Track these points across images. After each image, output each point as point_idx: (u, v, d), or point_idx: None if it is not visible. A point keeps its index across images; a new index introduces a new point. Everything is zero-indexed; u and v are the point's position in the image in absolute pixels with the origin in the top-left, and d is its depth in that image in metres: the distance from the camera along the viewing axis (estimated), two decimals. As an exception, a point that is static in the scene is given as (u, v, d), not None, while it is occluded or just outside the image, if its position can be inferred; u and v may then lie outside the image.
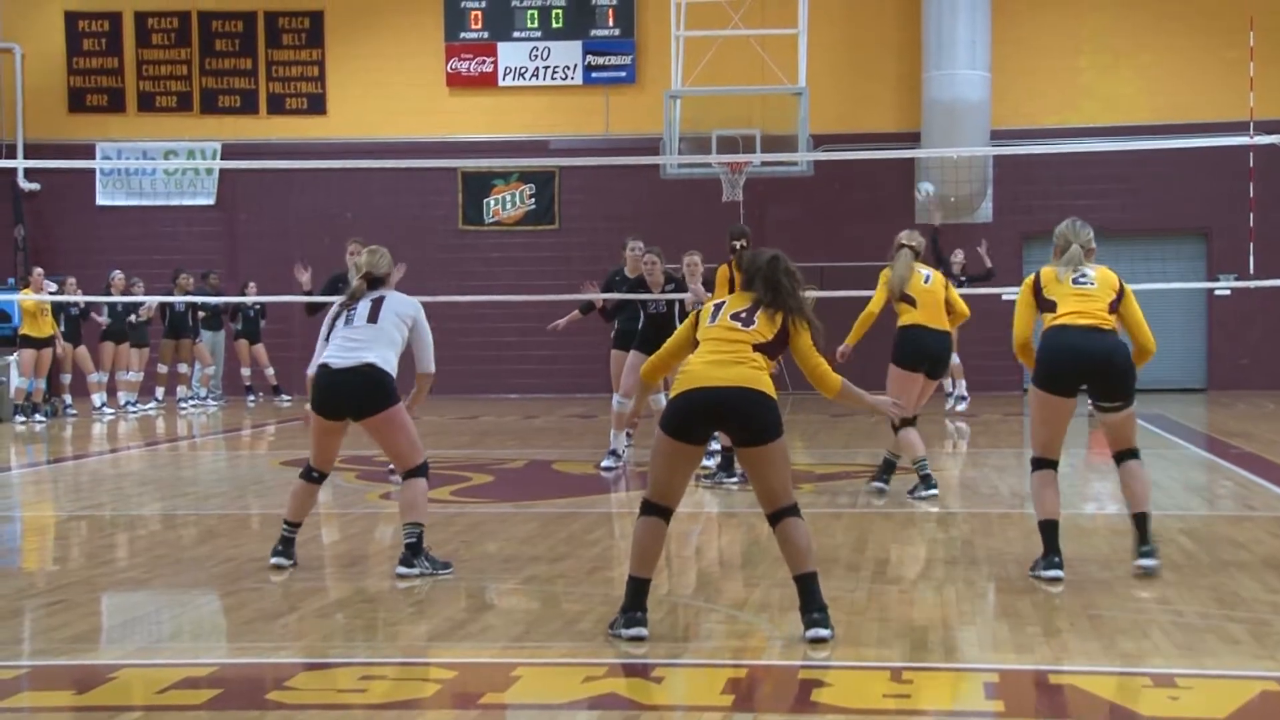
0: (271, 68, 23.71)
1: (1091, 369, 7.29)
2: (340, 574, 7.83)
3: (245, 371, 21.61)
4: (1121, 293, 7.44)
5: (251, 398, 21.49)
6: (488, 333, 22.55)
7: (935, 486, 10.16)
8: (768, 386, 6.09)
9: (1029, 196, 21.89)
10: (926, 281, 10.33)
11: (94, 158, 22.85)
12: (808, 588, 6.09)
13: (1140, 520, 7.39)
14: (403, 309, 7.72)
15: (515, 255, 22.94)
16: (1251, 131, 16.58)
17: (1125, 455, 7.53)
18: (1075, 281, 7.50)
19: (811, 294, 11.86)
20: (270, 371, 21.59)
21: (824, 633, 6.00)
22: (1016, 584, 7.23)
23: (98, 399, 19.36)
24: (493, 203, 23.44)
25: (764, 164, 19.27)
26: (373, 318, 7.57)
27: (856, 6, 22.80)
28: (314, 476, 7.78)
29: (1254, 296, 20.41)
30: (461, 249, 22.89)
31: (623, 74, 23.19)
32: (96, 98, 23.87)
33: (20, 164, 22.23)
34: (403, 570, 7.44)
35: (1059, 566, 7.23)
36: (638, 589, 6.16)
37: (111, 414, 19.19)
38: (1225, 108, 21.00)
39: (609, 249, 22.63)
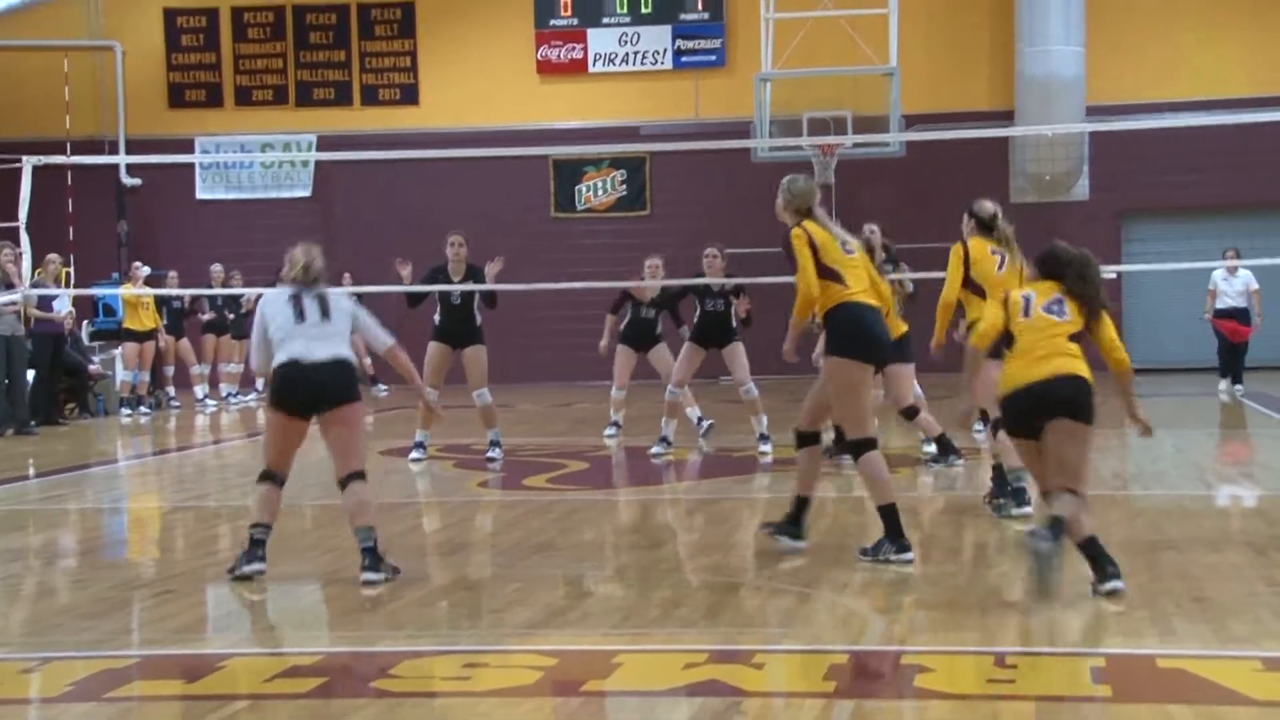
0: (364, 59, 23.91)
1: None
2: (441, 562, 7.89)
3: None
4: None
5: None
6: (581, 319, 22.52)
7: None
8: (1087, 372, 6.55)
9: (1127, 173, 21.48)
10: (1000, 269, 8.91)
11: (193, 152, 23.21)
12: (1095, 552, 6.39)
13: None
14: (343, 303, 7.69)
15: (607, 242, 22.94)
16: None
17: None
18: (844, 248, 7.37)
19: (906, 275, 11.61)
20: (367, 361, 21.76)
21: (1119, 584, 6.32)
22: (1121, 567, 7.10)
23: (200, 391, 19.66)
24: (584, 189, 23.47)
25: (855, 145, 19.12)
26: (326, 314, 7.46)
27: (947, -16, 22.51)
28: (276, 479, 7.46)
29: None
30: (554, 236, 22.95)
31: (712, 58, 23.11)
32: (195, 93, 24.23)
33: (122, 159, 22.64)
34: (371, 577, 7.05)
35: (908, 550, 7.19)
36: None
37: (214, 406, 19.50)
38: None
39: (700, 234, 22.51)
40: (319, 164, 23.45)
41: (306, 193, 23.84)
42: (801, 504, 7.58)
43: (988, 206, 8.99)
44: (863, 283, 7.34)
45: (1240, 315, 17.45)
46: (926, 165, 21.03)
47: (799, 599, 6.63)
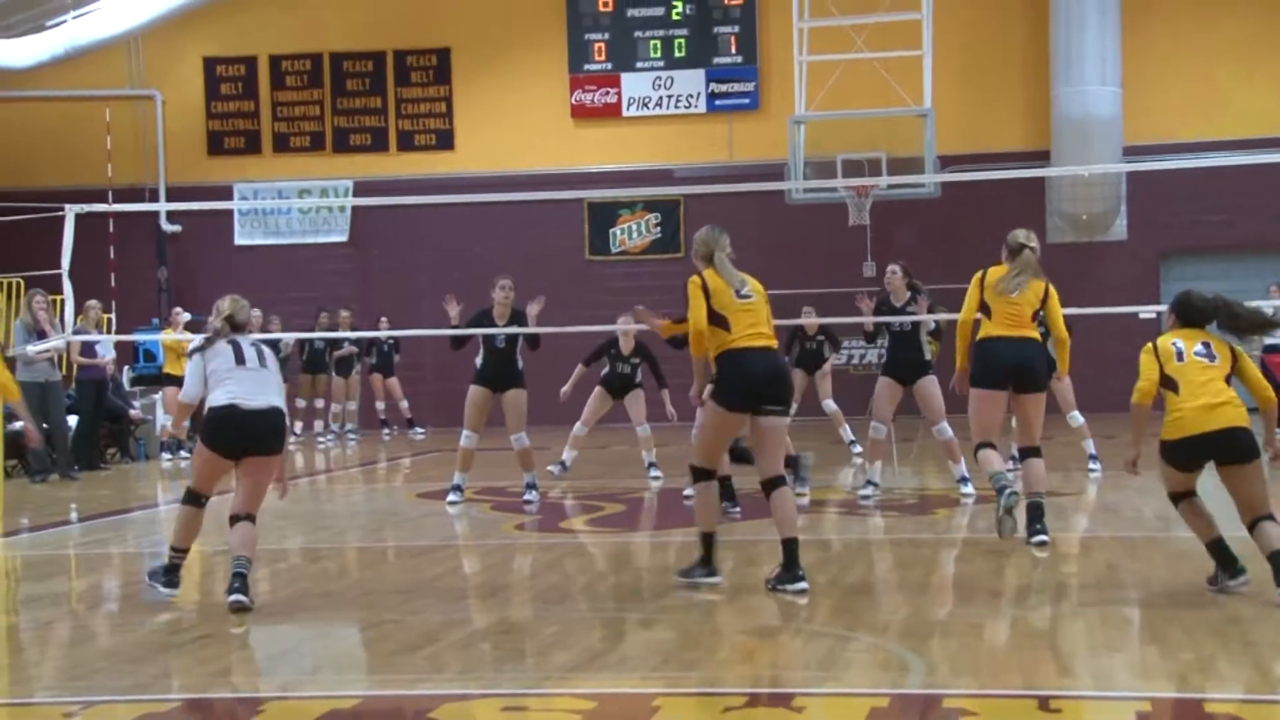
0: (401, 105, 24.12)
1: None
2: (480, 605, 7.88)
3: (380, 405, 21.92)
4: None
5: (386, 431, 21.79)
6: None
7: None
8: (1247, 419, 7.13)
9: (1165, 213, 21.40)
10: (1014, 294, 9.11)
11: (232, 199, 23.44)
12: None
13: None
14: (269, 351, 8.25)
15: (642, 284, 22.96)
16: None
17: None
18: (739, 294, 7.85)
19: (943, 317, 11.74)
20: (404, 405, 21.88)
21: None
22: (1164, 609, 7.03)
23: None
24: (618, 232, 23.57)
25: (890, 187, 19.11)
26: (262, 361, 8.02)
27: (981, 25, 22.56)
28: (200, 501, 7.96)
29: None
30: (588, 279, 23.03)
31: (746, 101, 23.20)
32: (234, 140, 24.49)
33: (162, 207, 22.89)
34: (243, 599, 7.50)
35: (803, 578, 7.54)
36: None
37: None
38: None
39: (736, 276, 22.61)
40: (356, 209, 23.65)
41: (343, 238, 24.02)
42: (708, 541, 7.90)
43: (1018, 234, 9.32)
44: (752, 327, 7.78)
45: None
46: (962, 206, 20.99)
47: (839, 641, 6.59)
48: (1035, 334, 9.13)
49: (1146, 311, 17.87)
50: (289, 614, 7.72)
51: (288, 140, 24.41)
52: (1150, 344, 7.29)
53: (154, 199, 23.41)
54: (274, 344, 19.63)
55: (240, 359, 7.94)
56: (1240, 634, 6.42)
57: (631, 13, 23.42)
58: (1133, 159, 20.69)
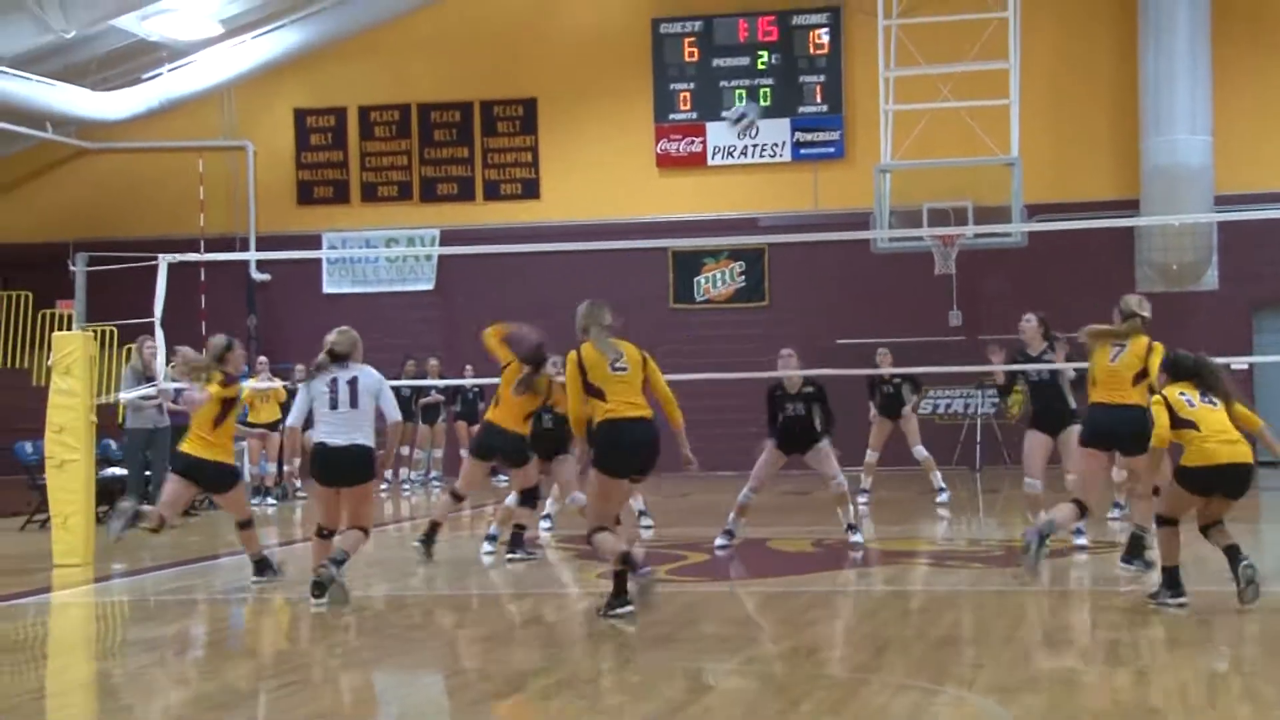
0: (487, 155, 24.43)
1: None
2: (561, 654, 7.92)
3: (464, 453, 22.06)
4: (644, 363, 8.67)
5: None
6: (700, 410, 22.33)
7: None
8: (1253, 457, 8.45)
9: (1257, 263, 21.10)
10: (1113, 360, 9.84)
11: (320, 247, 23.83)
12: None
13: None
14: (370, 384, 9.38)
15: (726, 332, 23.04)
16: None
17: None
18: (614, 367, 8.55)
19: (1031, 367, 11.97)
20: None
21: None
22: (1258, 664, 6.93)
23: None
24: (703, 281, 23.65)
25: (976, 236, 19.05)
26: (354, 402, 9.22)
27: (1069, 74, 22.47)
28: (323, 534, 9.52)
29: None
30: (673, 327, 23.08)
31: (831, 149, 23.24)
32: (323, 190, 24.93)
33: (252, 256, 23.32)
34: (331, 572, 9.13)
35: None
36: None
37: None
38: None
39: (819, 325, 22.66)
40: (442, 258, 23.94)
41: (430, 286, 24.32)
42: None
43: (1129, 301, 10.11)
44: (626, 396, 8.49)
45: None
46: (1049, 255, 20.83)
47: (925, 694, 6.56)
48: (1135, 399, 9.60)
49: (1239, 363, 17.65)
50: (375, 661, 7.81)
51: (375, 190, 24.80)
52: (1159, 396, 8.49)
53: (244, 248, 23.86)
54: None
55: (334, 404, 9.18)
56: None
57: (717, 62, 23.59)
58: (1224, 208, 20.45)
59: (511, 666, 7.43)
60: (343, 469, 9.22)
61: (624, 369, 8.57)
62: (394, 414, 9.55)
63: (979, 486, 12.23)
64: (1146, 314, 9.81)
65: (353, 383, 9.25)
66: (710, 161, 23.58)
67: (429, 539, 11.73)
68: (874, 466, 16.69)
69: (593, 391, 8.51)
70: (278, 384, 18.93)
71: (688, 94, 23.67)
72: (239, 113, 24.85)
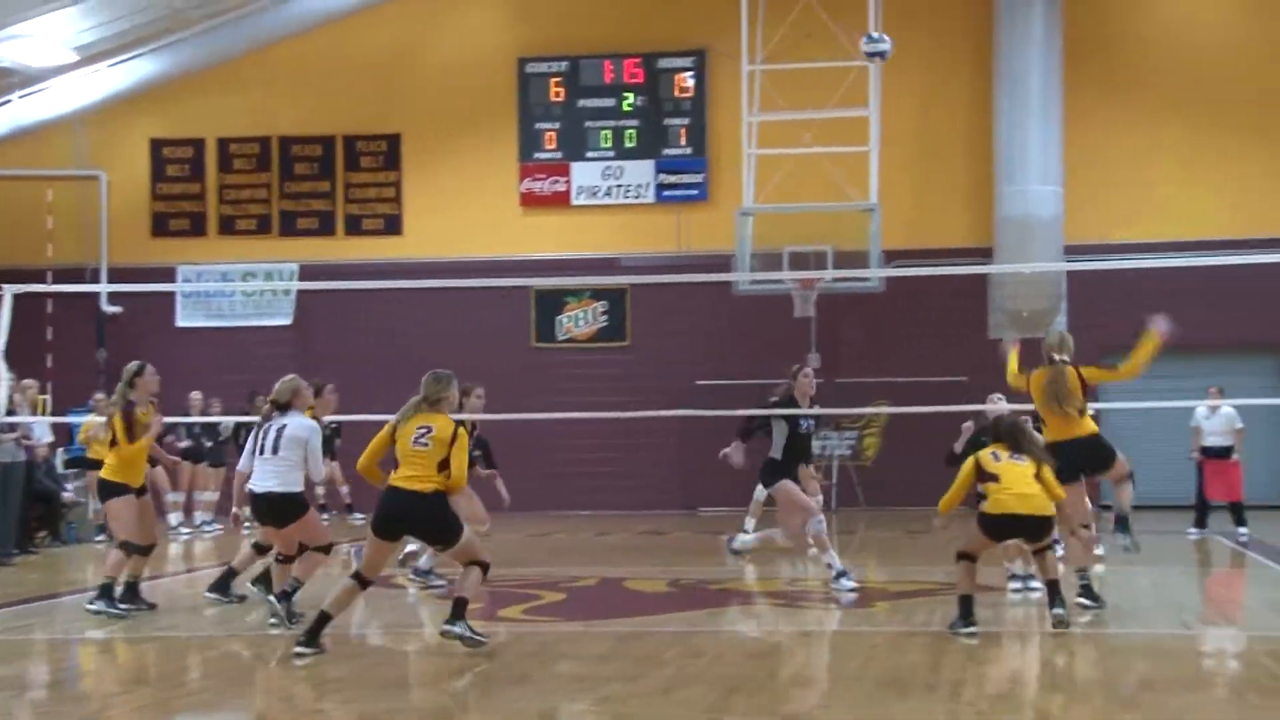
0: (349, 190, 24.21)
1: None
2: (416, 694, 7.83)
3: (319, 490, 21.80)
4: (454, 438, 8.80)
5: (325, 515, 21.61)
6: (560, 449, 22.64)
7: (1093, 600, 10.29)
8: (1051, 509, 9.46)
9: (1105, 312, 21.72)
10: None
11: (175, 280, 23.38)
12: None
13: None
14: (291, 435, 9.80)
15: (587, 372, 23.09)
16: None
17: None
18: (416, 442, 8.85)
19: (884, 409, 12.73)
20: (344, 490, 21.77)
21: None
22: (1100, 706, 7.12)
23: (174, 519, 19.58)
24: (565, 320, 23.67)
25: (835, 280, 19.37)
26: (276, 448, 9.71)
27: (928, 123, 22.98)
28: (281, 559, 10.15)
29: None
30: (534, 366, 23.09)
31: (695, 192, 23.44)
32: (179, 222, 24.49)
33: (104, 288, 22.78)
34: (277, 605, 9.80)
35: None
36: None
37: (188, 534, 19.40)
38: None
39: (680, 365, 22.83)
40: (301, 293, 23.63)
41: (288, 321, 23.98)
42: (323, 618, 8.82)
43: (1050, 337, 11.00)
44: (408, 470, 8.83)
45: (1224, 452, 17.61)
46: (906, 300, 21.25)
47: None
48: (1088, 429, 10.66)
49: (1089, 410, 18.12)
50: (217, 703, 7.66)
51: (233, 223, 24.44)
52: (972, 457, 9.62)
53: (95, 279, 23.31)
54: (213, 427, 19.71)
55: (261, 449, 9.71)
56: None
57: (582, 103, 23.72)
58: (1073, 258, 21.05)
59: (363, 707, 7.34)
60: (265, 512, 9.85)
61: (426, 445, 8.84)
62: (316, 473, 10.10)
63: (834, 528, 12.41)
64: (1062, 356, 10.65)
65: (280, 430, 9.75)
66: (574, 201, 23.64)
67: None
68: (761, 505, 16.72)
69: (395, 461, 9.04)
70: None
71: (553, 133, 23.73)
72: (92, 142, 24.33)
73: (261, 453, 9.71)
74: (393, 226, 24.04)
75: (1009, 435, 9.66)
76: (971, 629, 9.16)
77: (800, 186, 20.58)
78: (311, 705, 7.44)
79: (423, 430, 8.83)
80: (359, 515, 21.51)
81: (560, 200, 23.66)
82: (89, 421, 18.06)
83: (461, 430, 8.97)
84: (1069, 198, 21.80)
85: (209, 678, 8.45)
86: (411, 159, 24.04)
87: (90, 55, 22.93)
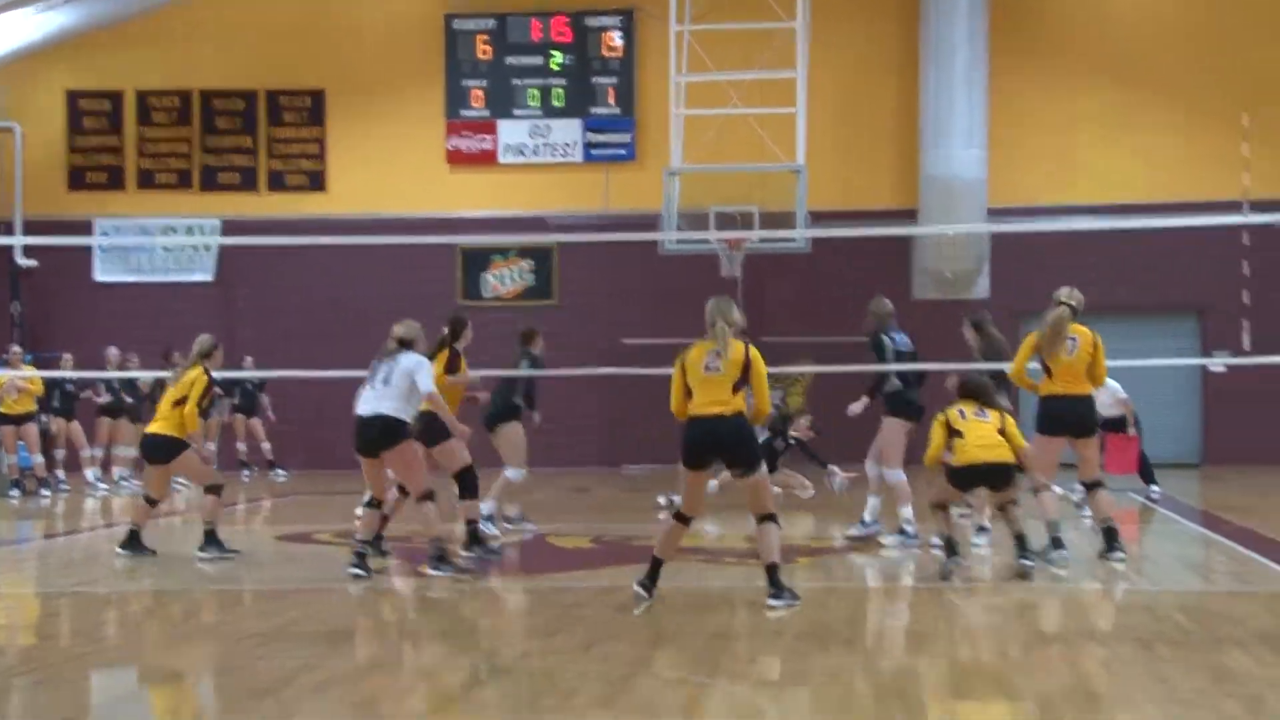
0: (272, 145, 23.92)
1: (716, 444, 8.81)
2: (333, 650, 7.79)
3: (241, 446, 21.61)
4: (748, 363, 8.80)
5: (246, 472, 21.46)
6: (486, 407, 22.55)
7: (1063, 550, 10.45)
8: (1012, 457, 10.10)
9: (1024, 274, 21.94)
10: (1070, 354, 10.74)
11: (92, 233, 22.99)
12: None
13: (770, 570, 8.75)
14: (399, 369, 10.31)
15: (515, 329, 22.96)
16: (1246, 210, 16.70)
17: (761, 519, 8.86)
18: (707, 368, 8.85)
19: (807, 369, 12.84)
20: (267, 446, 21.60)
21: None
22: (1013, 662, 7.22)
23: (91, 474, 19.33)
24: (491, 278, 23.58)
25: (762, 240, 19.38)
26: (386, 381, 10.23)
27: (854, 85, 23.04)
28: (372, 504, 10.39)
29: (1248, 373, 20.21)
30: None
31: (622, 151, 23.40)
32: (96, 175, 24.08)
33: (18, 240, 22.34)
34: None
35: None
36: None
37: (105, 489, 19.17)
38: (1219, 186, 21.18)
39: (607, 324, 22.82)
40: (223, 249, 23.33)
41: (209, 277, 23.69)
42: None
43: (1058, 293, 11.00)
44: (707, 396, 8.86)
45: (1116, 425, 16.90)
46: (832, 261, 21.38)
47: (697, 687, 6.64)
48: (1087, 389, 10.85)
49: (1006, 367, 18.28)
50: (135, 658, 7.57)
51: (153, 177, 24.06)
52: (940, 416, 10.12)
53: (9, 232, 22.86)
54: (132, 382, 19.44)
55: (372, 381, 10.28)
56: (1082, 680, 6.61)
57: (510, 60, 23.55)
58: (996, 219, 21.27)
59: (283, 663, 7.27)
60: (366, 439, 10.19)
61: None
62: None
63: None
64: (1075, 304, 10.80)
65: (390, 365, 10.29)
66: (501, 159, 23.52)
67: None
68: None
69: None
70: (33, 374, 18.23)
71: (480, 91, 23.56)
72: (6, 93, 23.82)
73: (373, 385, 10.21)
74: (317, 183, 23.80)
75: (975, 394, 10.29)
76: (957, 559, 9.99)
77: (727, 147, 20.57)
78: (229, 662, 7.37)
79: (713, 356, 8.88)
80: (281, 471, 21.39)
81: (487, 158, 23.54)
82: (1, 377, 17.76)
83: (754, 352, 8.90)
84: (993, 161, 21.99)
85: (123, 634, 8.35)
86: (336, 115, 23.80)
87: (3, 5, 22.39)
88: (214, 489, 11.64)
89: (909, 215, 22.12)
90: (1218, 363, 19.23)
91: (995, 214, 21.69)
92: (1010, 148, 22.35)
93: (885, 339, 12.12)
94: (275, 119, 23.92)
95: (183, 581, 10.48)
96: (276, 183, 23.87)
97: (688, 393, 8.92)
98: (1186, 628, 8.01)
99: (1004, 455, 9.98)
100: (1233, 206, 19.68)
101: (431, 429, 10.98)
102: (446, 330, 12.37)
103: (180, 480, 16.63)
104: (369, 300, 22.41)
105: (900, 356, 12.13)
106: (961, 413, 10.18)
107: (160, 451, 11.54)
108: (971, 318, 12.65)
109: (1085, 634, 7.91)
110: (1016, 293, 22.25)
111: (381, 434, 10.10)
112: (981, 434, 10.00)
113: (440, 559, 10.19)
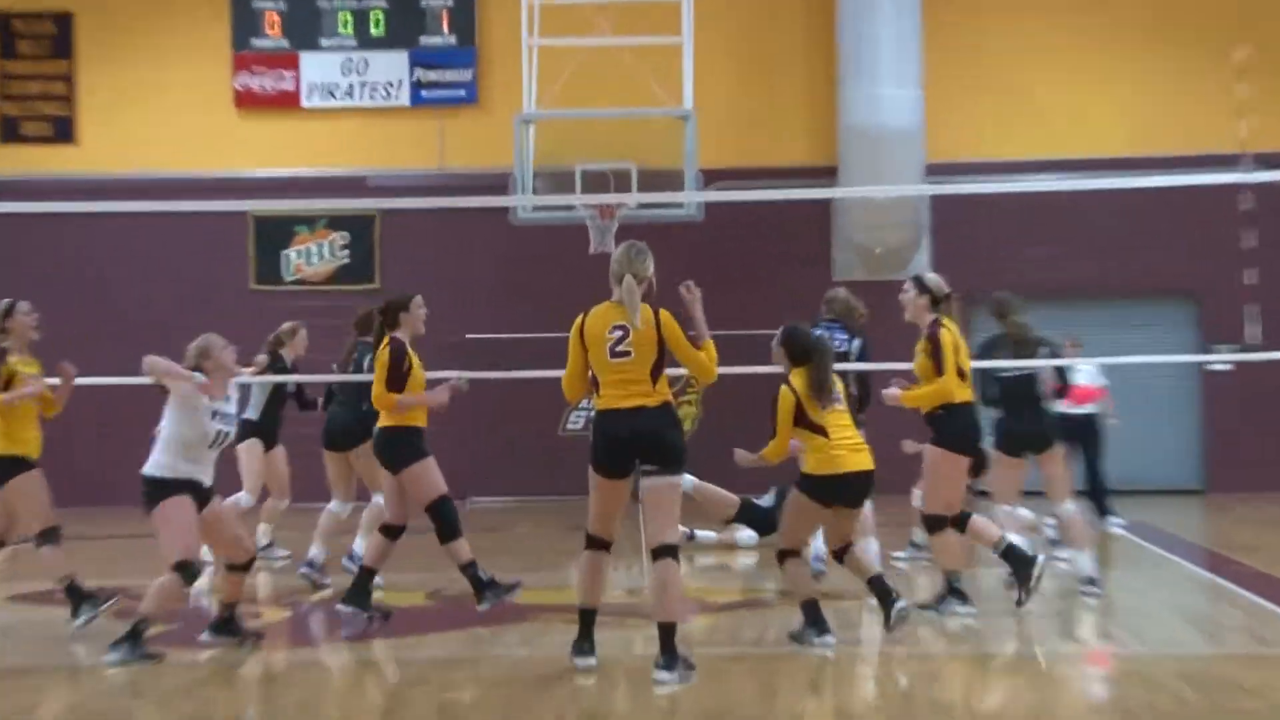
0: (4, 84, 23.57)
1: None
2: None
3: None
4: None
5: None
6: (289, 421, 22.17)
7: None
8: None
9: (975, 248, 22.06)
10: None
11: None
12: (880, 589, 9.98)
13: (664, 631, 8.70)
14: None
15: (325, 322, 22.53)
16: (1248, 165, 16.88)
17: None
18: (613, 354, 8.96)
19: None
20: None
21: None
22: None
23: None
24: (294, 255, 23.33)
25: (641, 206, 19.25)
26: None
27: (755, 12, 23.05)
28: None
29: (1257, 370, 20.29)
30: (254, 315, 22.44)
31: (461, 93, 23.28)
32: None
33: None
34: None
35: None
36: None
37: None
38: (1210, 137, 21.43)
39: (444, 314, 22.42)
40: (-59, 217, 22.75)
41: (-79, 252, 23.09)
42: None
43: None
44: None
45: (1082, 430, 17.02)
46: (731, 231, 21.33)
47: None
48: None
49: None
50: None
51: None
52: (790, 398, 9.93)
53: None
54: None
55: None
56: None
57: (315, -25, 23.33)
58: (936, 180, 21.31)
59: None
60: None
61: None
62: None
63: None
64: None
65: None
66: (305, 103, 23.35)
67: None
68: None
69: None
70: None
71: (277, 15, 23.33)
72: None
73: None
74: (63, 132, 23.53)
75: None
76: (826, 636, 9.56)
77: (596, 88, 20.43)
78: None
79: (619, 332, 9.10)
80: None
81: (287, 101, 23.37)
82: None
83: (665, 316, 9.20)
84: (930, 105, 22.04)
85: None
86: (88, 46, 23.57)
87: None
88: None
89: (827, 174, 22.13)
90: (1219, 360, 19.41)
91: (936, 171, 21.78)
92: (952, 89, 22.48)
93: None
94: (7, 50, 23.55)
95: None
96: (10, 132, 23.54)
97: (592, 380, 9.04)
98: (1188, 701, 8.00)
99: (870, 462, 9.97)
100: (1229, 160, 19.90)
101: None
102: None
103: None
104: (136, 284, 21.96)
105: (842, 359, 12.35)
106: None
107: None
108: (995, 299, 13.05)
109: (1066, 710, 7.85)
110: (963, 274, 22.34)
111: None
112: (846, 430, 9.97)
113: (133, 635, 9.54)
